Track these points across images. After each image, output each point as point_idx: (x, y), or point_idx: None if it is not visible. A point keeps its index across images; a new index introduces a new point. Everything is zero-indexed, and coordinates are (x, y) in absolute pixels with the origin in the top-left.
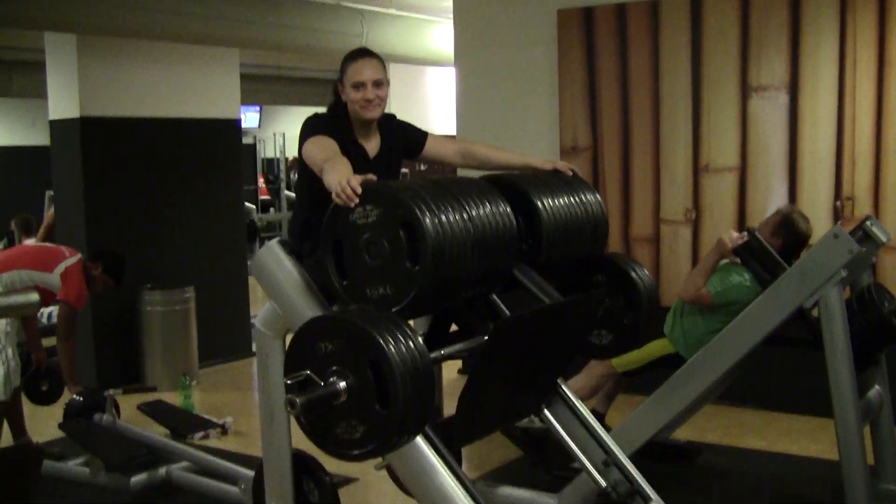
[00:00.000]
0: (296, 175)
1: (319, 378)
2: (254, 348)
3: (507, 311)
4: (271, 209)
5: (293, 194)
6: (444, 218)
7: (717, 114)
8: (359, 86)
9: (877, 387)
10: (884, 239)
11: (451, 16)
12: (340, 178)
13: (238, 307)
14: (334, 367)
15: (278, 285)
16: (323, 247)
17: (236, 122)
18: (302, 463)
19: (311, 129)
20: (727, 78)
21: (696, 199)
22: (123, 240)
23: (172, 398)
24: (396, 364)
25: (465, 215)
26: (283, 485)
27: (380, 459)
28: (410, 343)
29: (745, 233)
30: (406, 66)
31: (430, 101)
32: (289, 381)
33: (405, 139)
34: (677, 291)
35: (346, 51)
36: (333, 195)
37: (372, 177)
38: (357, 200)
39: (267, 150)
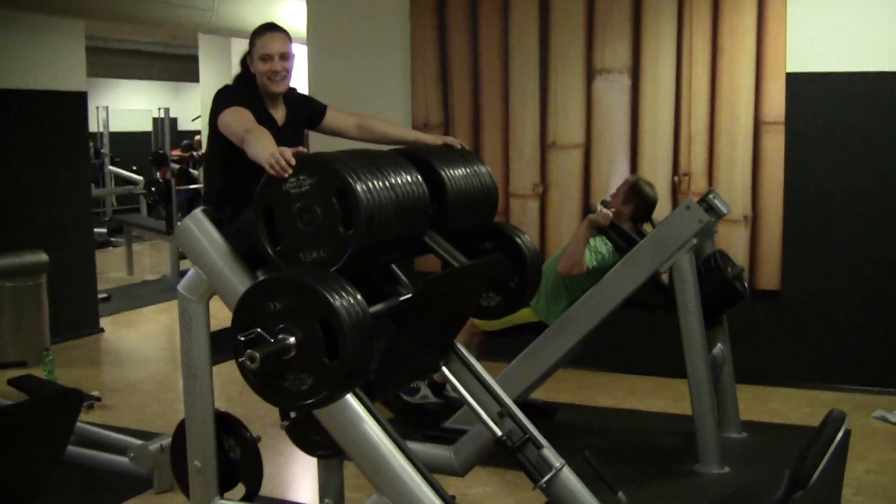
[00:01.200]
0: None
1: (269, 335)
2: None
3: (405, 278)
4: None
5: (117, 170)
6: (371, 185)
7: (563, 94)
8: (266, 58)
9: (719, 345)
10: (725, 211)
11: None
12: (273, 151)
13: (86, 283)
14: (282, 325)
15: (204, 252)
16: (255, 215)
17: (82, 95)
18: (223, 421)
19: (225, 100)
20: (573, 60)
21: (544, 175)
22: None
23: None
24: (344, 319)
25: (387, 183)
26: (206, 443)
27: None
28: (353, 300)
29: (603, 207)
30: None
31: None
32: (242, 338)
33: (307, 110)
34: (552, 266)
35: (196, 24)
36: (266, 166)
37: (303, 149)
38: (290, 171)
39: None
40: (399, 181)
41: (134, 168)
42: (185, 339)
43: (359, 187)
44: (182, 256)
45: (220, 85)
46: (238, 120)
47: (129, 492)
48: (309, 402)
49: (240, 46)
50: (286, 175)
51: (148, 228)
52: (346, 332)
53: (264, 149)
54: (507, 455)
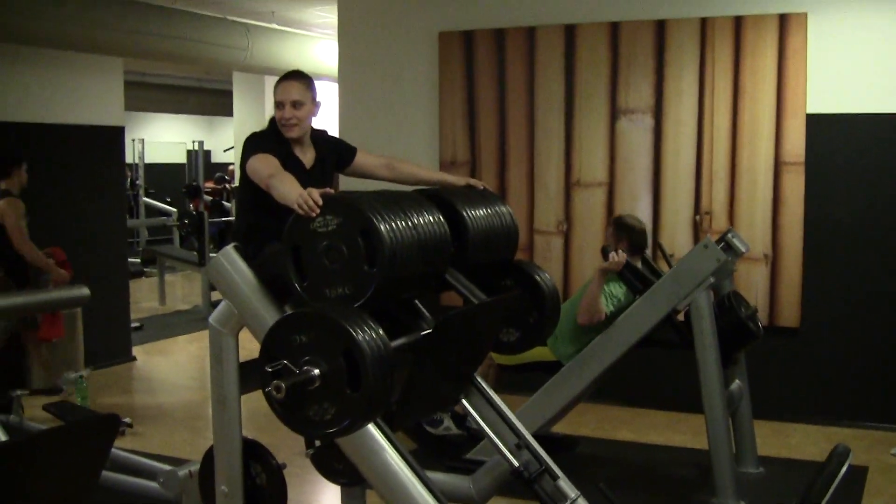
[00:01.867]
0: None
1: (294, 366)
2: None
3: (427, 313)
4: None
5: (151, 201)
6: (394, 225)
7: (587, 133)
8: (279, 105)
9: (737, 381)
10: (743, 250)
11: (333, 32)
12: (301, 192)
13: (119, 313)
14: (307, 357)
15: (235, 287)
16: (284, 252)
17: (120, 129)
18: (250, 448)
19: (253, 146)
20: (598, 100)
21: (568, 212)
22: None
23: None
24: (366, 352)
25: (409, 223)
26: (232, 469)
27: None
28: (376, 334)
29: (615, 253)
30: None
31: None
32: (269, 369)
33: (336, 153)
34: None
35: (231, 63)
36: (295, 206)
37: (330, 190)
38: (318, 211)
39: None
40: (421, 221)
41: (168, 200)
42: (215, 369)
43: (382, 227)
44: (213, 288)
45: (253, 120)
46: (263, 166)
47: None
48: (332, 430)
49: (273, 84)
50: (314, 214)
51: (180, 260)
52: (368, 365)
53: (291, 190)
54: (523, 486)
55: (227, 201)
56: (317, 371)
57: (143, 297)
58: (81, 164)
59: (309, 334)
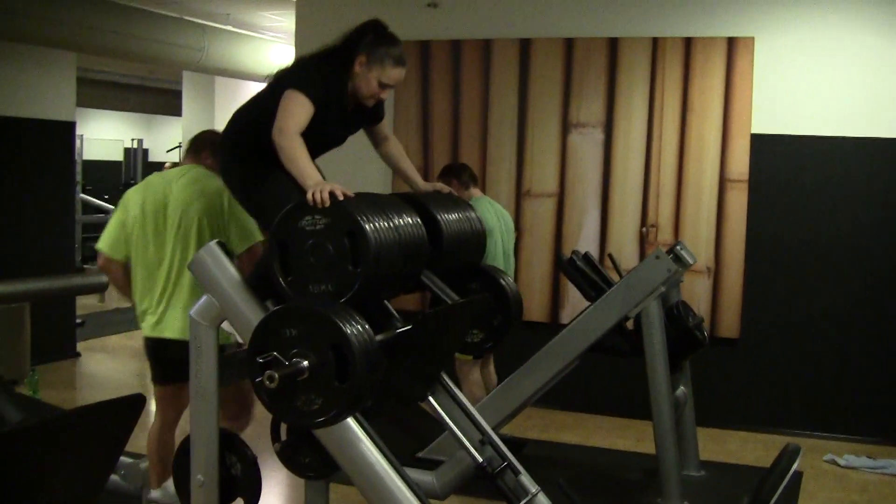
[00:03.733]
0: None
1: (284, 359)
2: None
3: (396, 314)
4: None
5: (88, 198)
6: (378, 226)
7: (539, 145)
8: (385, 87)
9: (682, 388)
10: (691, 261)
11: (287, 36)
12: (320, 182)
13: (64, 309)
14: (296, 349)
15: (217, 282)
16: (270, 247)
17: (70, 125)
18: (226, 439)
19: (305, 77)
20: (550, 114)
21: (518, 221)
22: None
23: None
24: (355, 346)
25: (391, 224)
26: (209, 459)
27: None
28: (363, 328)
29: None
30: (229, 80)
31: None
32: (260, 360)
33: (374, 111)
34: None
35: (186, 63)
36: (309, 192)
37: (350, 193)
38: (326, 207)
39: None
40: (401, 223)
41: (105, 197)
42: (194, 362)
43: (368, 227)
44: None
45: (202, 120)
46: (295, 119)
47: None
48: (319, 420)
49: (223, 84)
50: (320, 206)
51: None
52: (357, 358)
53: (310, 174)
54: (485, 482)
55: None
56: (306, 363)
57: (83, 295)
58: (31, 159)
59: (299, 328)
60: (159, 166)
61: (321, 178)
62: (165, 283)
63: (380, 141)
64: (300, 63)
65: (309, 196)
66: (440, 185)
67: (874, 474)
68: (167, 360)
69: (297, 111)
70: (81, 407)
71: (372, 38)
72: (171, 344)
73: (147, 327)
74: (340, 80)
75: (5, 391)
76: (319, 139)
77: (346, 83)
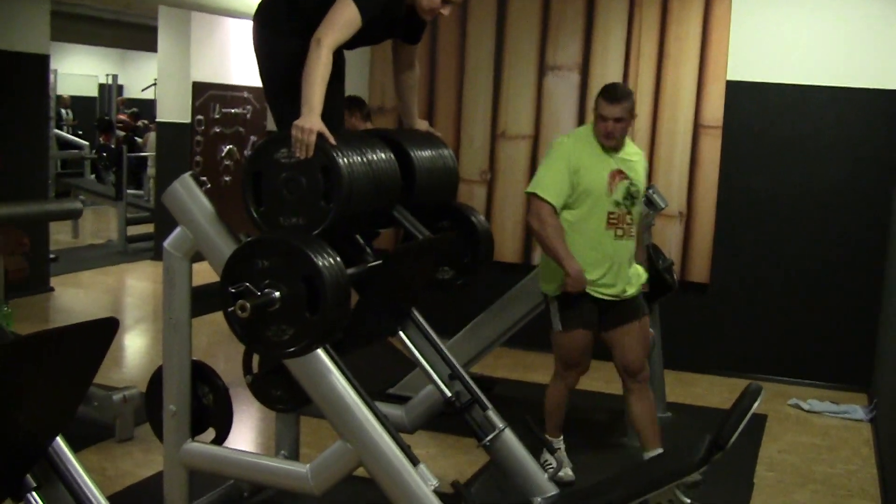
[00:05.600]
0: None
1: (256, 289)
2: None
3: (369, 248)
4: None
5: (62, 133)
6: (352, 163)
7: (515, 87)
8: (447, 3)
9: (651, 331)
10: (663, 205)
11: None
12: (314, 124)
13: (38, 244)
14: (268, 280)
15: (191, 214)
16: (245, 177)
17: (45, 58)
18: (197, 370)
19: None
20: (527, 56)
21: (492, 162)
22: None
23: None
24: (326, 277)
25: (365, 159)
26: (181, 389)
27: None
28: (335, 261)
29: None
30: (206, 16)
31: (230, 52)
32: (232, 290)
33: (417, 27)
34: None
35: None
36: (293, 135)
37: (332, 139)
38: (309, 154)
39: None
40: (375, 159)
41: (80, 133)
42: (167, 293)
43: (342, 163)
44: (130, 222)
45: (177, 56)
46: (338, 33)
47: (92, 439)
48: (290, 350)
49: (199, 20)
50: (302, 156)
51: (98, 194)
52: (328, 290)
53: (313, 107)
54: (454, 418)
55: (139, 137)
56: (277, 293)
57: (56, 230)
58: (3, 92)
59: (271, 259)
60: (137, 103)
61: (319, 113)
62: None
63: (403, 66)
64: None
65: (295, 133)
66: (425, 124)
67: (836, 419)
68: None
69: (344, 27)
70: (57, 328)
71: None
72: None
73: None
74: None
75: None
76: (358, 36)
77: None
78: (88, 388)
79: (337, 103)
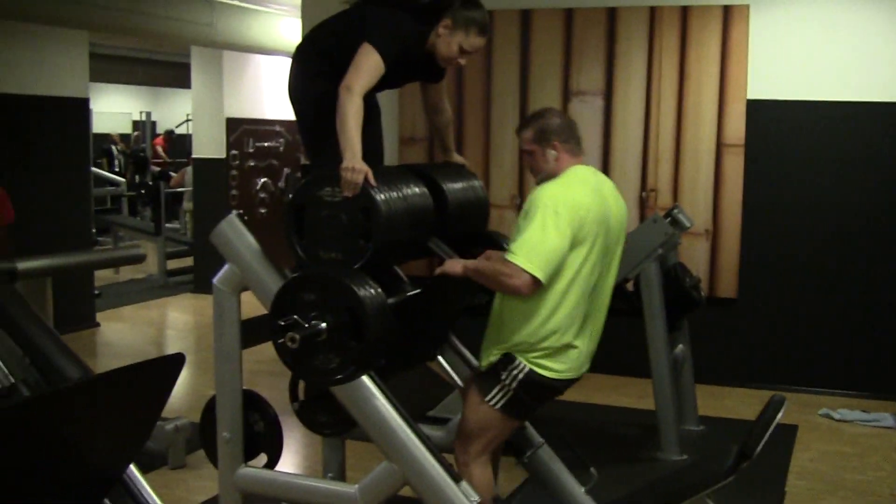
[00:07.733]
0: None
1: (303, 321)
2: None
3: (405, 278)
4: None
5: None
6: (390, 199)
7: None
8: (465, 53)
9: (681, 346)
10: (688, 225)
11: (294, 10)
12: (358, 164)
13: (83, 281)
14: (314, 313)
15: (238, 252)
16: (288, 211)
17: (84, 101)
18: (249, 398)
19: (388, 35)
20: (551, 82)
21: (521, 187)
22: None
23: None
24: (369, 307)
25: (401, 194)
26: (234, 417)
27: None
28: (376, 291)
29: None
30: (236, 54)
31: (262, 87)
32: (281, 323)
33: (438, 68)
34: None
35: (194, 38)
36: (342, 171)
37: (372, 182)
38: (356, 192)
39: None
40: (410, 193)
41: (116, 170)
42: (217, 327)
43: (382, 204)
44: (169, 257)
45: (211, 93)
46: (365, 77)
47: (146, 468)
48: (337, 377)
49: (230, 57)
50: (349, 195)
51: (136, 230)
52: (371, 319)
53: (353, 149)
54: None
55: (174, 171)
56: (324, 325)
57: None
58: (46, 135)
59: (317, 293)
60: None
61: (360, 155)
62: None
63: (432, 107)
64: (385, 11)
65: (345, 175)
66: (459, 158)
67: (866, 427)
68: None
69: (369, 72)
70: (130, 365)
71: (460, 1)
72: None
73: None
74: (422, 37)
75: (66, 350)
76: (382, 80)
77: (425, 40)
78: (159, 418)
79: (374, 147)
